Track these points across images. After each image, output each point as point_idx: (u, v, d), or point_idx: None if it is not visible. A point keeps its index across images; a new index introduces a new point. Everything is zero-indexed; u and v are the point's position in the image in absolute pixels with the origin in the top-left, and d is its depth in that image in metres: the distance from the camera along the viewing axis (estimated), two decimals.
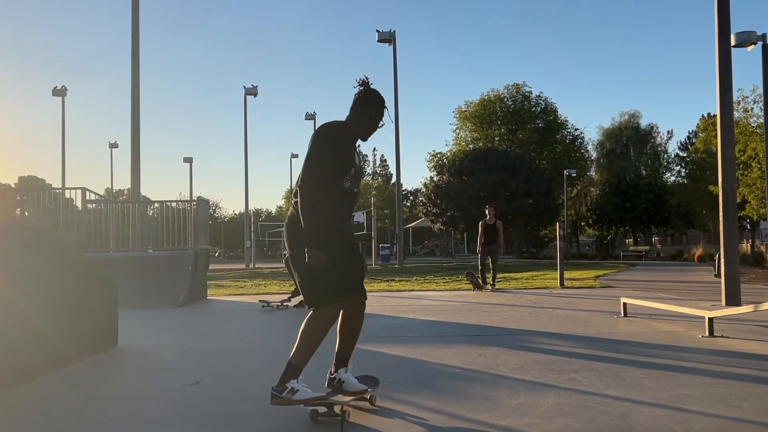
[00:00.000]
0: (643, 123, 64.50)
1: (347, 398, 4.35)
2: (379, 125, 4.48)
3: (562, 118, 62.36)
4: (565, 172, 52.03)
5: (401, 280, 20.13)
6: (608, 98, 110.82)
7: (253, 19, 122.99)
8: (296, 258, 4.27)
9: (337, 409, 4.16)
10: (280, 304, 12.14)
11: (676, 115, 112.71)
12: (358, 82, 4.49)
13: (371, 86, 4.50)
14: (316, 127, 4.39)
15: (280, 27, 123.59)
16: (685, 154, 63.76)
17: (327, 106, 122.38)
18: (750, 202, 31.14)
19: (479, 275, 15.86)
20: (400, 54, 32.32)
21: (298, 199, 4.18)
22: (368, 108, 4.41)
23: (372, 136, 4.49)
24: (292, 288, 12.86)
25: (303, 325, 4.26)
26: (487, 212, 16.10)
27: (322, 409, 4.21)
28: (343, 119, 4.45)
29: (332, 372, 4.47)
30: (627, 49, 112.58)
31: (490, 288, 15.54)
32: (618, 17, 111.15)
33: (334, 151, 4.22)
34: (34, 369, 5.79)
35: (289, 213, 4.38)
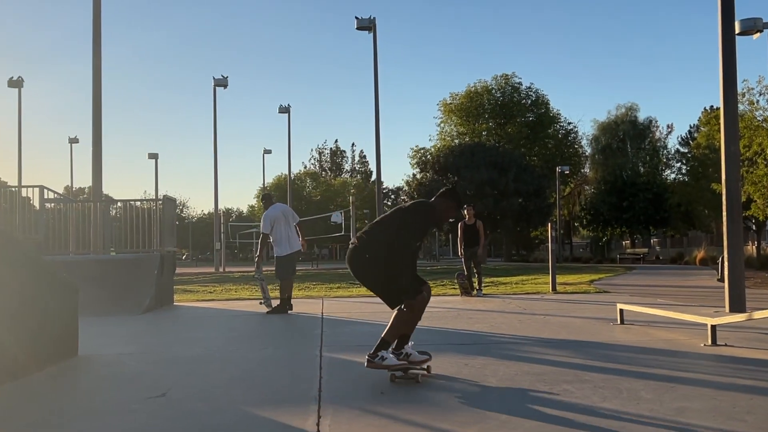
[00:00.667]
0: (641, 116, 65.14)
1: (416, 367, 5.96)
2: (452, 218, 6.36)
3: (554, 111, 62.70)
4: (558, 169, 52.16)
5: None
6: (603, 90, 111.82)
7: (222, 11, 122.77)
8: (376, 272, 5.91)
9: (411, 374, 5.84)
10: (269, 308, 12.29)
11: (676, 108, 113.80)
12: (451, 183, 6.78)
13: (456, 190, 6.36)
14: (416, 202, 6.23)
15: (250, 18, 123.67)
16: (686, 150, 64.18)
17: (301, 100, 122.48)
18: (755, 201, 31.28)
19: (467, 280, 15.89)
20: (381, 45, 32.29)
21: (396, 253, 5.78)
22: (451, 202, 6.16)
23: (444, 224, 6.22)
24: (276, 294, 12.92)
25: (397, 313, 5.87)
26: (465, 212, 15.91)
27: (398, 374, 5.78)
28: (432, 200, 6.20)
29: (396, 349, 5.93)
30: (623, 37, 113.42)
31: (476, 294, 15.59)
32: (613, 3, 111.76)
33: (423, 224, 6.10)
34: None
35: (365, 240, 5.96)
